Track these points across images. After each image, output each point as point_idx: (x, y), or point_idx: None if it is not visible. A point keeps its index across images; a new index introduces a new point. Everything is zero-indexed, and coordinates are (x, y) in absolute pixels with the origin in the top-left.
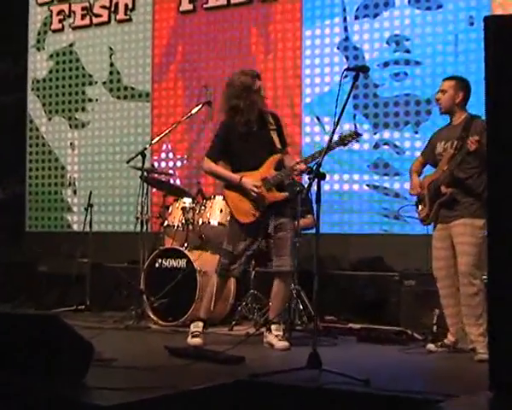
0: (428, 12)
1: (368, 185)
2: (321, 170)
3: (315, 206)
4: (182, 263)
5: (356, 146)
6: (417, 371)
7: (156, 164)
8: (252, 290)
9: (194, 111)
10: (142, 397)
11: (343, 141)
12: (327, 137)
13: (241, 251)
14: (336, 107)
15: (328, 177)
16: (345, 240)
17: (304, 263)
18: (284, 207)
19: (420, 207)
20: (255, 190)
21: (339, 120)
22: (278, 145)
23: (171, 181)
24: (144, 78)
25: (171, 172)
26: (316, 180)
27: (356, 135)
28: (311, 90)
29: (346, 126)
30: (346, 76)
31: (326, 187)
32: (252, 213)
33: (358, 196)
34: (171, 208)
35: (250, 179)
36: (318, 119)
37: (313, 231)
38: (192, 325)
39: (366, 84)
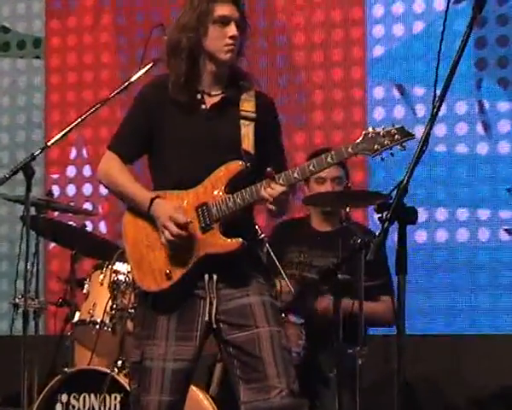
0: None
1: (509, 232)
2: (405, 202)
3: (396, 278)
4: (112, 403)
5: (482, 148)
6: None
7: (57, 191)
8: None
9: (135, 77)
10: None
11: (379, 144)
12: (421, 130)
13: (158, 362)
14: (438, 64)
15: (422, 215)
16: (461, 348)
17: (374, 401)
18: (243, 268)
19: None
20: (171, 227)
21: (445, 92)
22: (249, 149)
23: (88, 226)
24: (31, 8)
25: (87, 207)
26: (396, 224)
27: (401, 135)
28: (386, 31)
29: (461, 106)
30: (458, 0)
31: (420, 237)
32: (165, 272)
33: (489, 256)
34: (88, 285)
35: (169, 204)
36: (401, 89)
37: (392, 329)
38: None
39: (502, 16)
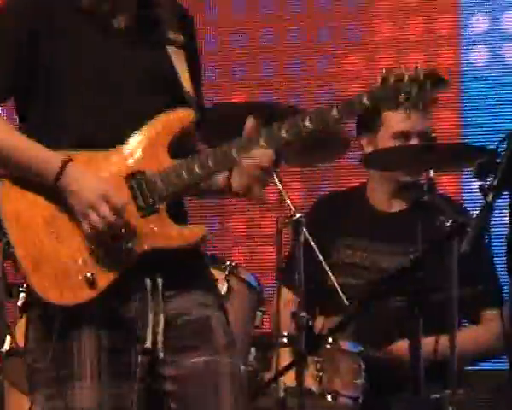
0: None
1: None
2: None
3: (508, 281)
4: None
5: None
6: None
7: None
8: None
9: None
10: None
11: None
12: None
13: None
14: None
15: None
16: None
17: None
18: (195, 267)
19: None
20: (105, 210)
21: None
22: (189, 88)
23: None
24: None
25: None
26: (506, 196)
27: (432, 81)
28: None
29: None
30: None
31: None
32: (84, 275)
33: None
34: (25, 294)
35: (95, 172)
36: None
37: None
38: None
39: None
